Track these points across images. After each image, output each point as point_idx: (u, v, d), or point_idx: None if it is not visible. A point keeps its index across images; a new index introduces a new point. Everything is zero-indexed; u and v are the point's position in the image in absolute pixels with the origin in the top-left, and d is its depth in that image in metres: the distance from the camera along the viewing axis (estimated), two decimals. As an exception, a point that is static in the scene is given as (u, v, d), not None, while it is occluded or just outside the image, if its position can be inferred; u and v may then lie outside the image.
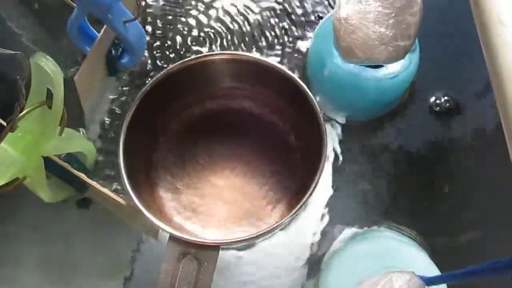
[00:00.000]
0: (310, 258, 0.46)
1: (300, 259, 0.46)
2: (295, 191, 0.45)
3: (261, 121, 0.47)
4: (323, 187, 0.48)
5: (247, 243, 0.46)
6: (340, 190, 0.48)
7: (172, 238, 0.37)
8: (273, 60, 0.45)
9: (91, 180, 0.40)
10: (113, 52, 0.48)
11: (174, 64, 0.43)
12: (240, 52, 0.46)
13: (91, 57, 0.44)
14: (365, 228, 0.47)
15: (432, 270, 0.40)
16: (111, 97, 0.50)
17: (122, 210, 0.42)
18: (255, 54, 0.45)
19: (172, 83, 0.44)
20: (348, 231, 0.47)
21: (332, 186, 0.48)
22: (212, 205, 0.46)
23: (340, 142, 0.50)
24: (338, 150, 0.49)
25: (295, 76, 0.42)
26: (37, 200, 0.41)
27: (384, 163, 0.49)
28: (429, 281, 0.31)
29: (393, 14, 0.36)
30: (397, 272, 0.31)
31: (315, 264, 0.46)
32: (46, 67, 0.34)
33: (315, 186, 0.39)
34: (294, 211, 0.38)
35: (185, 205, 0.45)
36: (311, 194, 0.38)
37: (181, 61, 0.43)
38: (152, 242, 0.47)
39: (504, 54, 0.24)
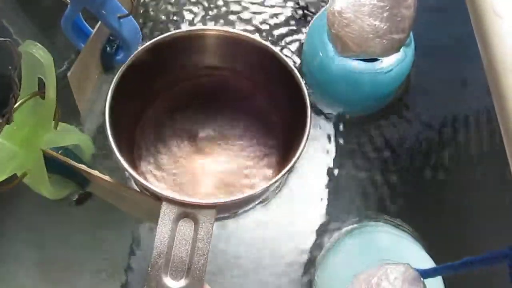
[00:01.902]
0: (306, 252, 0.46)
1: (296, 254, 0.46)
2: (278, 166, 0.45)
3: (244, 99, 0.48)
4: (320, 181, 0.48)
5: (243, 210, 0.47)
6: (337, 185, 0.48)
7: (167, 200, 0.37)
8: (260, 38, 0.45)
9: (92, 170, 0.40)
10: (108, 48, 0.47)
11: (158, 38, 0.43)
12: (226, 28, 0.45)
13: (85, 54, 0.44)
14: (362, 223, 0.47)
15: (428, 264, 0.40)
16: (106, 94, 0.49)
17: (124, 198, 0.42)
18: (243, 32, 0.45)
19: (156, 58, 0.44)
20: (345, 226, 0.47)
21: (329, 181, 0.48)
22: (198, 179, 0.46)
23: (336, 137, 0.50)
24: (334, 145, 0.49)
25: (278, 51, 0.42)
26: (34, 200, 0.41)
27: (381, 158, 0.49)
28: (424, 273, 0.31)
29: (388, 7, 0.36)
30: (392, 264, 0.31)
31: (311, 259, 0.46)
32: (37, 54, 0.33)
33: (300, 153, 0.39)
34: (281, 173, 0.39)
35: (170, 181, 0.46)
36: (297, 159, 0.39)
37: (167, 34, 0.43)
38: (149, 240, 0.47)
39: (499, 46, 0.24)
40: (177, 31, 0.44)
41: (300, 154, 0.39)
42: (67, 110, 0.41)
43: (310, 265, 0.46)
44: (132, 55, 0.43)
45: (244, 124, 0.48)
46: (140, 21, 0.54)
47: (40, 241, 0.47)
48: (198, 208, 0.36)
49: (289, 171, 0.39)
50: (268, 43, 0.43)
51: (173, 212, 0.36)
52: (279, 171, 0.41)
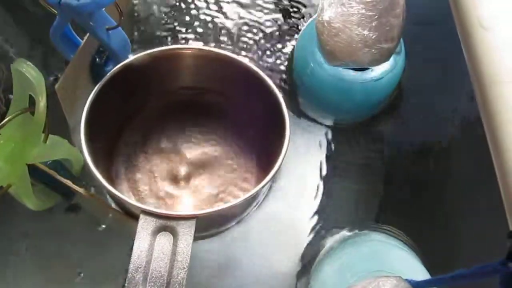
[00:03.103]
0: (300, 261, 0.46)
1: (290, 263, 0.46)
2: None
3: (222, 115, 0.48)
4: (312, 191, 0.48)
5: (224, 228, 0.46)
6: (330, 193, 0.48)
7: (145, 213, 0.36)
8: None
9: (77, 187, 0.40)
10: (97, 59, 0.47)
11: (140, 54, 0.43)
12: (206, 47, 0.46)
13: (74, 65, 0.44)
14: (355, 231, 0.47)
15: (422, 273, 0.40)
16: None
17: (111, 216, 0.42)
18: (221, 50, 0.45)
19: (136, 73, 0.44)
20: (338, 235, 0.47)
21: (322, 189, 0.48)
22: (181, 193, 0.45)
23: (329, 145, 0.49)
24: (326, 153, 0.49)
25: (246, 61, 0.42)
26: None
27: (374, 166, 0.49)
28: (417, 285, 0.30)
29: (376, 17, 0.36)
30: (384, 276, 0.30)
31: (305, 268, 0.46)
32: (27, 73, 0.33)
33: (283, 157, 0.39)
34: (259, 185, 0.38)
35: (152, 192, 0.45)
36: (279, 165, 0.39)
37: (148, 51, 0.43)
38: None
39: (485, 58, 0.24)
40: (152, 50, 0.44)
41: (279, 167, 0.39)
42: (57, 121, 0.41)
43: (303, 275, 0.46)
44: (107, 75, 0.42)
45: (224, 141, 0.47)
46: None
47: (35, 247, 0.47)
48: (177, 220, 0.36)
49: (268, 182, 0.39)
50: (242, 58, 0.43)
51: (151, 225, 0.35)
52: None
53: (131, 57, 0.43)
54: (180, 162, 0.47)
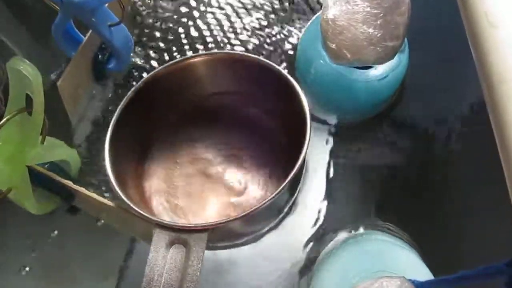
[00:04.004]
0: (302, 262, 0.46)
1: (292, 263, 0.46)
2: (278, 181, 0.44)
3: (251, 120, 0.47)
4: (316, 190, 0.48)
5: (238, 242, 0.46)
6: (333, 193, 0.48)
7: (159, 226, 0.36)
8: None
9: (78, 186, 0.40)
10: (99, 56, 0.47)
11: (159, 68, 0.43)
12: (219, 51, 0.46)
13: (76, 62, 0.44)
14: (358, 231, 0.46)
15: (425, 274, 0.39)
16: (98, 103, 0.49)
17: (111, 215, 0.41)
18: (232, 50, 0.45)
19: (156, 87, 0.43)
20: (341, 235, 0.46)
21: (325, 189, 0.48)
22: (201, 204, 0.45)
23: (332, 143, 0.49)
24: (330, 151, 0.49)
25: (281, 68, 0.42)
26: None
27: (377, 165, 0.49)
28: (420, 286, 0.30)
29: (381, 14, 0.36)
30: (387, 277, 0.30)
31: (307, 268, 0.46)
32: (25, 71, 0.33)
33: (300, 167, 0.38)
34: (278, 190, 0.38)
35: (172, 204, 0.45)
36: (297, 172, 0.38)
37: (165, 65, 0.43)
38: (144, 245, 0.46)
39: (494, 56, 0.24)
40: (171, 62, 0.43)
41: (294, 175, 0.38)
42: (57, 120, 0.41)
43: (305, 275, 0.45)
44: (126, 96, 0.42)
45: (250, 146, 0.47)
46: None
47: (34, 248, 0.47)
48: (189, 232, 0.36)
49: (282, 192, 0.38)
50: (268, 61, 0.42)
51: (165, 238, 0.36)
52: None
53: (149, 75, 0.43)
54: (209, 165, 0.46)
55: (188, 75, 0.44)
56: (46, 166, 0.40)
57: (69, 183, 0.39)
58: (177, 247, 0.36)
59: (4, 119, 0.33)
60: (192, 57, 0.43)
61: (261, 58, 0.43)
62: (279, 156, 0.45)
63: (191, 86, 0.45)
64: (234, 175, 0.46)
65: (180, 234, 0.36)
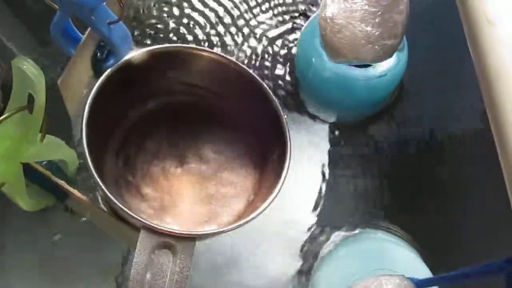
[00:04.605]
0: (301, 260, 0.46)
1: (291, 262, 0.46)
2: (257, 187, 0.44)
3: (221, 119, 0.46)
4: (313, 188, 0.48)
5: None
6: (332, 191, 0.48)
7: (145, 228, 0.35)
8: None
9: (72, 188, 0.39)
10: (98, 54, 0.47)
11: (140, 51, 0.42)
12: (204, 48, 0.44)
13: (75, 60, 0.44)
14: (356, 230, 0.46)
15: (424, 272, 0.40)
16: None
17: (103, 220, 0.41)
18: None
19: (135, 71, 0.43)
20: (339, 233, 0.46)
21: (324, 187, 0.48)
22: (177, 202, 0.44)
23: (330, 142, 0.49)
24: (328, 150, 0.49)
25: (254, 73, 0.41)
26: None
27: (375, 164, 0.49)
28: (420, 283, 0.30)
29: (380, 13, 0.36)
30: (387, 275, 0.30)
31: (306, 267, 0.46)
32: (28, 71, 0.33)
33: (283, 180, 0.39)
34: (270, 199, 0.38)
35: (149, 201, 0.44)
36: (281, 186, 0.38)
37: (148, 48, 0.42)
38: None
39: (492, 53, 0.24)
40: (154, 47, 0.43)
41: (283, 183, 0.38)
42: (57, 118, 0.41)
43: (305, 274, 0.45)
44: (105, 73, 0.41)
45: (225, 147, 0.46)
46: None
47: (31, 247, 0.47)
48: (178, 239, 0.35)
49: (275, 198, 0.38)
50: (244, 66, 0.42)
51: (152, 241, 0.35)
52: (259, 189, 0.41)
53: (129, 55, 0.42)
54: (187, 163, 0.46)
55: (170, 63, 0.44)
56: (43, 163, 0.40)
57: (62, 183, 0.39)
58: (164, 252, 0.35)
59: (4, 116, 0.33)
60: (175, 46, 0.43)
61: (237, 61, 0.42)
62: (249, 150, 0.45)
63: (170, 75, 0.45)
64: (201, 167, 0.45)
65: (168, 239, 0.35)
